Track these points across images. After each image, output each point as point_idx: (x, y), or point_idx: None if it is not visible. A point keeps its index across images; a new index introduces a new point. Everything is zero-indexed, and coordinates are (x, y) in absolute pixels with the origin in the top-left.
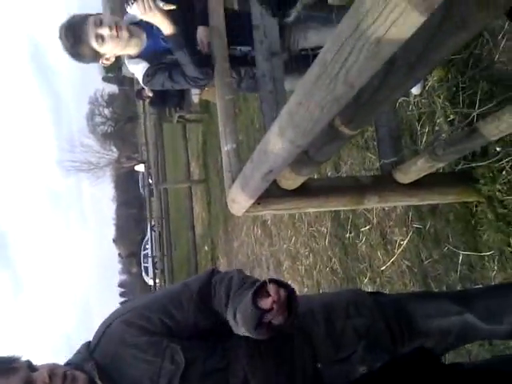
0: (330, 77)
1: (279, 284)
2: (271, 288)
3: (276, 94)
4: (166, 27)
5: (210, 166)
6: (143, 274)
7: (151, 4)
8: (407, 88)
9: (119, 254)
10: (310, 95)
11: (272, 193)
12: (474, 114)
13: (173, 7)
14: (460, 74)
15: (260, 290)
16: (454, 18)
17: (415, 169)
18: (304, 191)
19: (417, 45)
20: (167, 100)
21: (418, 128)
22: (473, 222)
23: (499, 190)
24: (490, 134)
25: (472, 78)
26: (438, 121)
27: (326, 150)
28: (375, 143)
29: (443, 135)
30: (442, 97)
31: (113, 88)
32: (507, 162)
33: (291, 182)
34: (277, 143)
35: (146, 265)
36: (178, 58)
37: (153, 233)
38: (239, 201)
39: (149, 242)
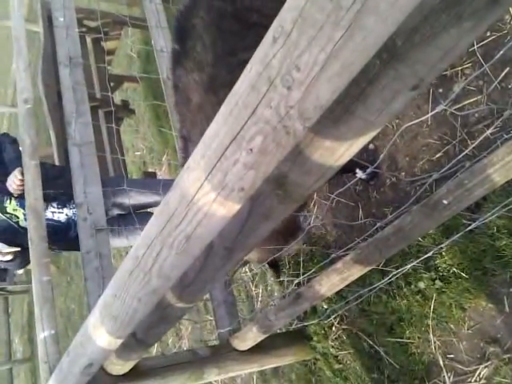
0: (144, 271)
1: None
2: None
3: (102, 270)
4: None
5: (36, 340)
6: None
7: None
8: (230, 268)
9: None
10: (125, 288)
11: (98, 382)
12: (299, 279)
13: None
14: None
15: None
16: (260, 210)
17: (251, 335)
18: (137, 374)
19: (231, 232)
20: None
21: (253, 288)
22: (313, 379)
23: (332, 346)
24: (313, 298)
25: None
26: (269, 281)
27: (155, 331)
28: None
29: (274, 301)
30: None
31: None
32: (334, 318)
33: (120, 367)
34: (94, 335)
35: None
36: None
37: None
38: None
39: None
